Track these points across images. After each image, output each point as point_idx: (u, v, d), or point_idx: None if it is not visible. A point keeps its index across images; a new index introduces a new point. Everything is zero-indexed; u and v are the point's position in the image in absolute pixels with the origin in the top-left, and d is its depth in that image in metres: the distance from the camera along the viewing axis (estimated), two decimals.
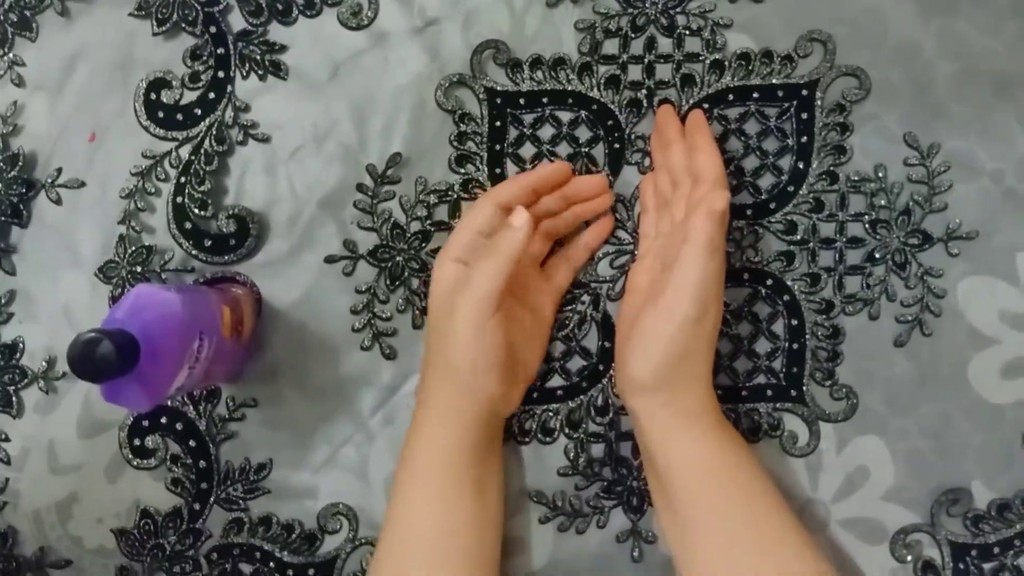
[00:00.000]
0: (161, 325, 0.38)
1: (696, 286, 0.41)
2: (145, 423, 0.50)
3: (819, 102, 0.49)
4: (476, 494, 0.44)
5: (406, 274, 0.50)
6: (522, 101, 0.50)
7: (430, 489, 0.44)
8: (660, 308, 0.42)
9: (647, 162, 0.50)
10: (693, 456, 0.43)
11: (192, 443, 0.50)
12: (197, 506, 0.50)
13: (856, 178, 0.50)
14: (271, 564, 0.50)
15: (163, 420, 0.50)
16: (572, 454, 0.50)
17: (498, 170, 0.50)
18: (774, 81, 0.50)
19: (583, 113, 0.50)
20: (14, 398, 0.51)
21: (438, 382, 0.44)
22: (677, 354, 0.42)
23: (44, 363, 0.51)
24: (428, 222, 0.50)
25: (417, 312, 0.50)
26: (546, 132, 0.50)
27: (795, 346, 0.50)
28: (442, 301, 0.43)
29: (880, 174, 0.50)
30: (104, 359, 0.35)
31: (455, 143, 0.50)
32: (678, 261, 0.42)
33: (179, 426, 0.50)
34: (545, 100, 0.50)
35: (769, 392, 0.50)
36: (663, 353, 0.42)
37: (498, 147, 0.50)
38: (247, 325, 0.47)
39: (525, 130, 0.50)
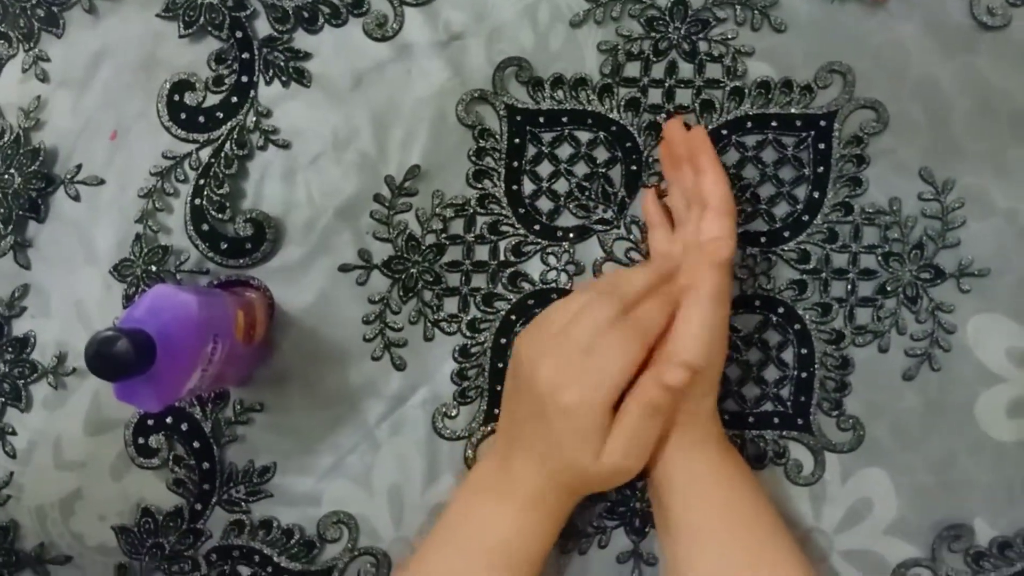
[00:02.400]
0: (178, 326, 0.38)
1: (700, 337, 0.40)
2: (150, 422, 0.50)
3: (837, 133, 0.50)
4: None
5: (419, 286, 0.50)
6: (542, 119, 0.50)
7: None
8: (664, 355, 0.41)
9: (663, 185, 0.50)
10: (693, 482, 0.43)
11: (196, 444, 0.50)
12: (199, 506, 0.50)
13: (871, 210, 0.50)
14: (269, 568, 0.50)
15: (168, 420, 0.50)
16: None
17: (515, 187, 0.50)
18: (793, 110, 0.50)
19: (602, 134, 0.50)
20: (23, 392, 0.51)
21: (559, 492, 0.43)
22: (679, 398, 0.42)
23: (55, 358, 0.51)
24: (443, 235, 0.50)
25: (429, 324, 0.50)
26: (564, 151, 0.51)
27: (804, 375, 0.50)
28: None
29: (894, 207, 0.50)
30: (121, 358, 0.35)
31: (473, 158, 0.50)
32: (682, 309, 0.41)
33: (184, 427, 0.50)
34: (565, 119, 0.50)
35: (776, 420, 0.50)
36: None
37: (516, 164, 0.50)
38: (259, 330, 0.48)
39: (544, 148, 0.50)
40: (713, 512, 0.43)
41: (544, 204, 0.51)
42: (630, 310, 0.41)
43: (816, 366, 0.50)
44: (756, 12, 0.50)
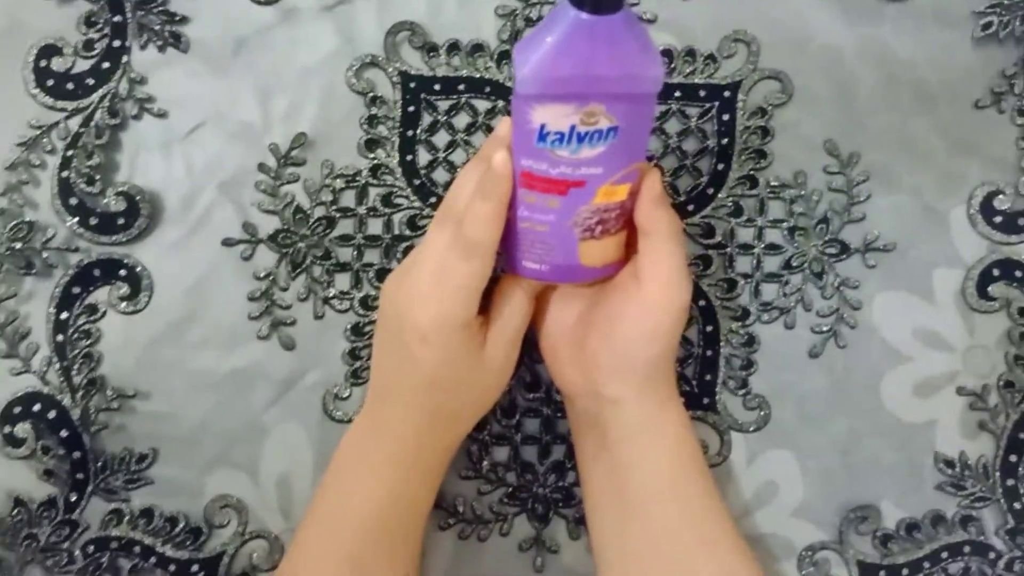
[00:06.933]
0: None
1: (680, 276, 0.39)
2: (16, 410, 0.47)
3: (741, 104, 0.48)
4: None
5: (308, 261, 0.48)
6: (437, 87, 0.48)
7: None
8: (649, 303, 0.39)
9: None
10: (663, 448, 0.42)
11: (64, 433, 0.47)
12: (74, 496, 0.47)
13: (776, 183, 0.49)
14: (152, 559, 0.47)
15: (36, 408, 0.47)
16: (475, 456, 0.48)
17: (409, 157, 0.48)
18: (696, 80, 0.48)
19: (500, 103, 0.48)
20: None
21: (437, 432, 0.42)
22: (672, 346, 0.41)
23: None
24: (333, 208, 0.48)
25: (319, 301, 0.48)
26: (462, 120, 0.48)
27: (709, 353, 0.49)
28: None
29: (800, 180, 0.49)
30: None
31: (365, 126, 0.48)
32: (646, 256, 0.39)
33: (52, 415, 0.47)
34: (462, 87, 0.48)
35: (680, 399, 0.49)
36: (663, 346, 0.40)
37: (411, 133, 0.48)
38: (611, 245, 0.40)
39: (440, 117, 0.48)
40: (677, 482, 0.42)
41: (441, 175, 0.48)
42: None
43: (721, 343, 0.49)
44: None
